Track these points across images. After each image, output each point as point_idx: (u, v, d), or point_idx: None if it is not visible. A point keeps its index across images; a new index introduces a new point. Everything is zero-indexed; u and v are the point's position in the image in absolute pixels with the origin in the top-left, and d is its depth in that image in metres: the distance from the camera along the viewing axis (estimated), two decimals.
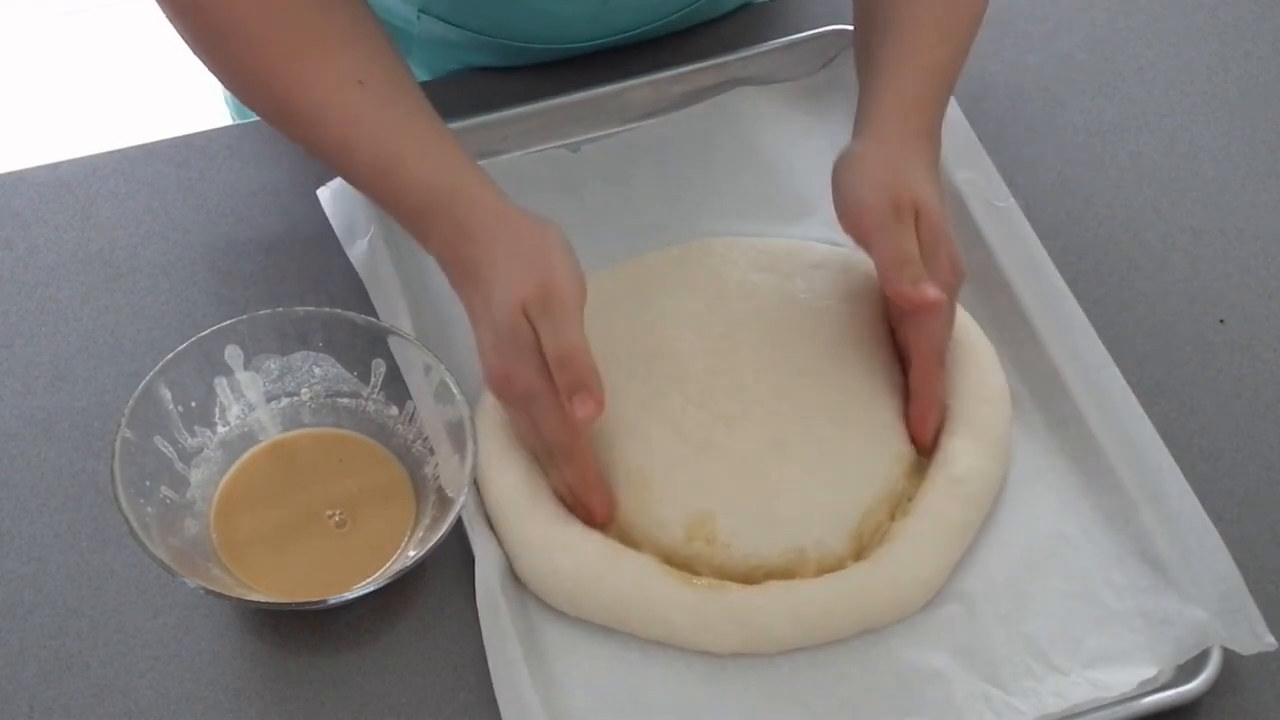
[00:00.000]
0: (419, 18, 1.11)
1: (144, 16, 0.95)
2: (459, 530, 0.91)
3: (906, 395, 0.97)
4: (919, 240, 0.93)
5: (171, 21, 0.94)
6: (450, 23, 1.11)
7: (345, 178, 0.99)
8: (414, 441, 0.94)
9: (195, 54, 0.96)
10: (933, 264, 0.93)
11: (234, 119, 1.26)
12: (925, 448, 0.96)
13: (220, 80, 0.98)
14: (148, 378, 0.91)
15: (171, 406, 0.92)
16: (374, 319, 0.97)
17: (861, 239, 0.95)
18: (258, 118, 1.17)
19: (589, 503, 0.91)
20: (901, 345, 0.97)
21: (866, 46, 1.02)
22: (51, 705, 0.88)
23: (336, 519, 0.92)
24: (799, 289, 1.01)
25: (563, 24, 1.10)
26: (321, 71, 0.93)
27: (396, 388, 0.95)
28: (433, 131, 0.95)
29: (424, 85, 1.13)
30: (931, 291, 0.91)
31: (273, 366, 0.95)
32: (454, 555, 0.92)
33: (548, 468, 0.92)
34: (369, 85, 0.93)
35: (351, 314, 0.95)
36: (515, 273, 0.89)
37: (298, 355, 0.96)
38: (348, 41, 0.94)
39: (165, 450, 0.92)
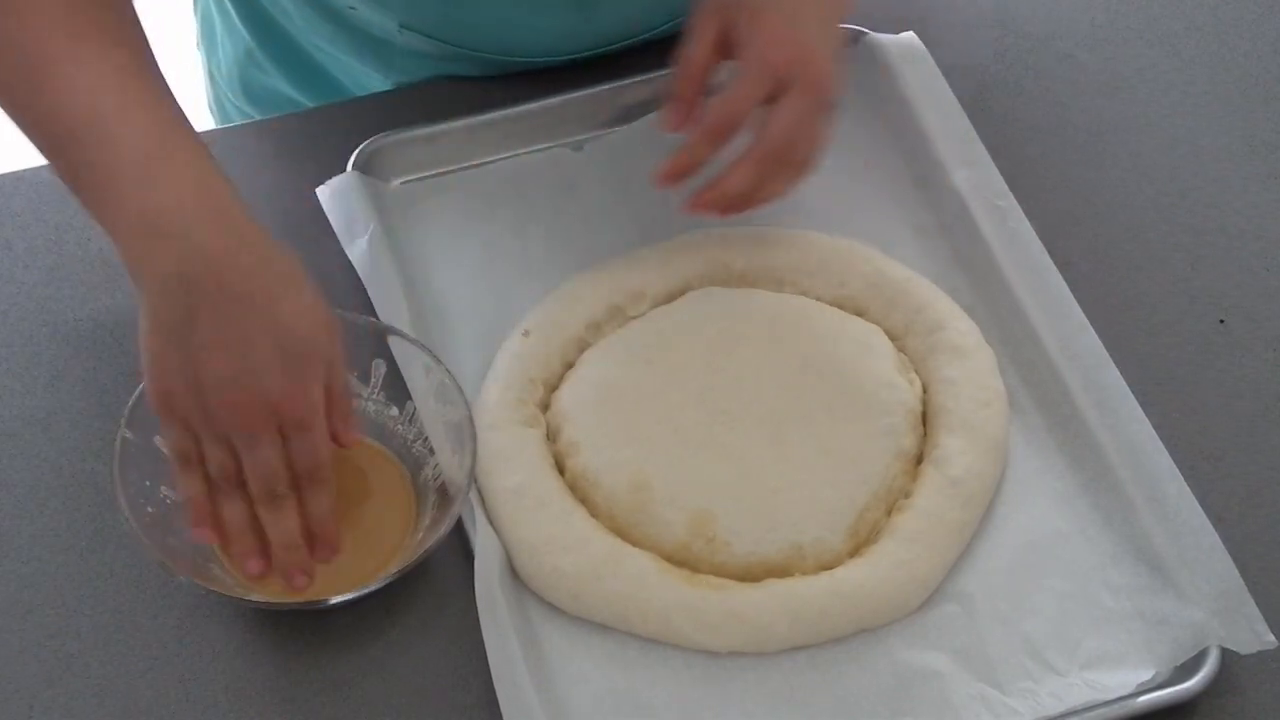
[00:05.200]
0: (400, 31, 1.11)
1: (144, 17, 0.95)
2: (459, 530, 0.91)
3: (909, 389, 0.97)
4: (738, 28, 0.94)
5: None
6: (432, 36, 1.11)
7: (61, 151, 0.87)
8: (414, 442, 0.94)
9: None
10: (745, 38, 0.94)
11: (216, 124, 1.25)
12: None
13: None
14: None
15: None
16: (374, 319, 0.97)
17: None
18: (255, 118, 1.17)
19: (326, 535, 0.89)
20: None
21: None
22: (51, 705, 0.88)
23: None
24: (799, 283, 1.01)
25: (543, 38, 1.10)
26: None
27: (397, 388, 0.95)
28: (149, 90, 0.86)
29: (423, 86, 1.14)
30: (672, 118, 0.96)
31: None
32: (454, 555, 0.92)
33: (268, 507, 0.87)
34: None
35: (352, 314, 0.95)
36: (316, 317, 0.86)
37: None
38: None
39: (166, 450, 0.92)
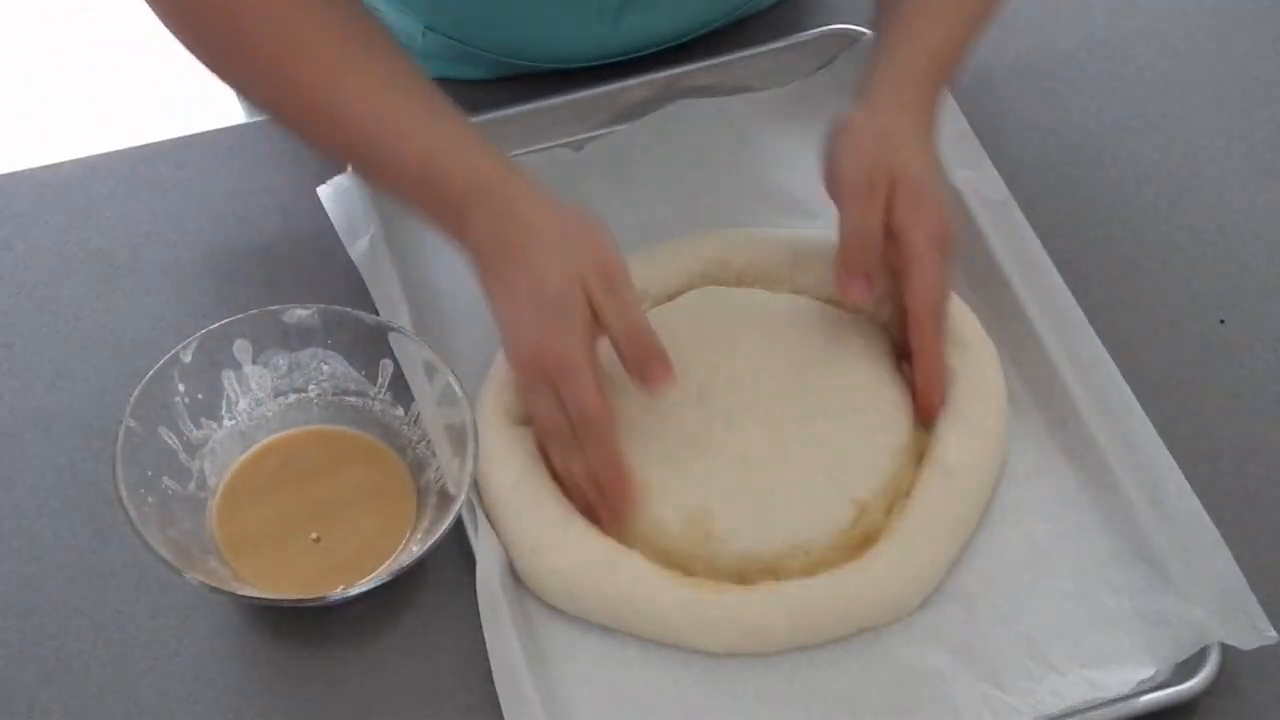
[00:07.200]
0: (424, 34, 1.11)
1: (144, 16, 0.95)
2: (459, 530, 0.91)
3: (908, 388, 0.97)
4: (899, 205, 0.93)
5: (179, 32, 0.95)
6: (456, 40, 1.11)
7: (365, 167, 0.98)
8: (418, 443, 0.94)
9: (204, 59, 0.96)
10: (914, 221, 0.93)
11: (246, 117, 1.25)
12: (930, 415, 0.96)
13: (225, 78, 0.98)
14: (155, 368, 0.91)
15: (178, 398, 0.92)
16: (383, 319, 0.97)
17: (838, 207, 0.96)
18: (259, 118, 1.17)
19: (612, 486, 0.91)
20: (902, 307, 0.96)
21: (877, 25, 1.02)
22: (51, 705, 0.88)
23: (316, 538, 0.92)
24: (798, 283, 1.01)
25: (571, 44, 1.10)
26: (345, 68, 0.94)
27: (403, 388, 0.95)
28: (463, 121, 0.95)
29: None
30: (856, 289, 0.94)
31: (281, 362, 0.95)
32: (454, 555, 0.92)
33: (563, 454, 0.91)
34: (396, 81, 0.94)
35: (361, 313, 0.95)
36: (568, 250, 0.90)
37: (306, 352, 0.95)
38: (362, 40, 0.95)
39: (170, 441, 0.92)
